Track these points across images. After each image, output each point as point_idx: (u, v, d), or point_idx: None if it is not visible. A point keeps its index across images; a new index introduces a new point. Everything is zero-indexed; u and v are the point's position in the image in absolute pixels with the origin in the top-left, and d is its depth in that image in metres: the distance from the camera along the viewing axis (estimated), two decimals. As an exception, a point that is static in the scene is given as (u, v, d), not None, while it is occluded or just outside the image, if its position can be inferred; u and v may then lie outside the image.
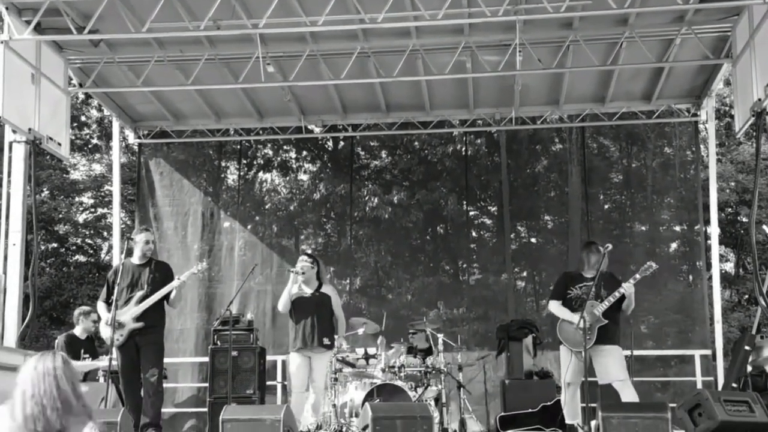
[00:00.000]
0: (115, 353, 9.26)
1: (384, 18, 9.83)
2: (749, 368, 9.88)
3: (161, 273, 9.46)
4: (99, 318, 9.91)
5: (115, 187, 14.29)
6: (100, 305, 9.42)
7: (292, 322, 9.79)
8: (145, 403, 9.22)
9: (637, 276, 8.82)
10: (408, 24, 10.66)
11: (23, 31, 10.10)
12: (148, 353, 9.25)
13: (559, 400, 9.26)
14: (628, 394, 8.66)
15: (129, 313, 9.11)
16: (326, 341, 9.62)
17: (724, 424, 7.22)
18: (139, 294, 9.21)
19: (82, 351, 10.62)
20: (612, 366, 8.79)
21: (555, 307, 9.20)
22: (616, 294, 8.76)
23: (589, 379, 8.69)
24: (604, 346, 8.81)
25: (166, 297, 9.37)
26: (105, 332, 9.21)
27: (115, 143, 14.32)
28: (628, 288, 8.75)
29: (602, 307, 8.78)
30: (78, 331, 10.82)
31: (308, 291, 9.83)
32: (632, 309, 9.11)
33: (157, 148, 14.74)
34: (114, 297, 9.15)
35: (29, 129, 10.44)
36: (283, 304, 9.79)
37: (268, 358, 12.47)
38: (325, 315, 9.76)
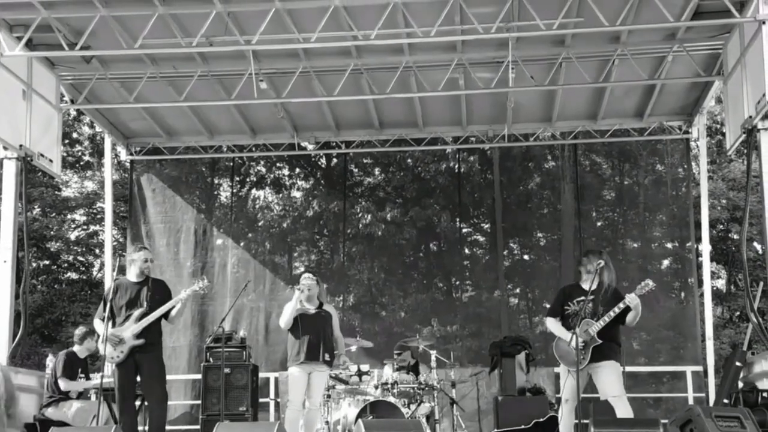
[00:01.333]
0: (108, 370, 9.21)
1: (377, 35, 9.85)
2: (740, 384, 9.86)
3: (159, 291, 9.37)
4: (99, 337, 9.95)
5: (107, 204, 14.25)
6: (97, 322, 9.31)
7: (293, 338, 9.55)
8: (150, 418, 9.13)
9: (635, 293, 8.66)
10: (401, 41, 10.68)
11: (15, 47, 10.09)
12: (151, 369, 9.16)
13: (551, 417, 9.23)
14: (623, 410, 8.59)
15: (129, 330, 9.03)
16: (327, 357, 9.55)
17: (716, 440, 7.21)
18: (137, 312, 9.12)
19: (80, 370, 10.56)
20: (607, 382, 8.71)
21: (551, 323, 9.08)
22: (615, 309, 8.60)
23: (592, 395, 8.66)
24: (600, 363, 8.72)
25: (165, 314, 9.30)
26: (104, 349, 9.11)
27: (107, 160, 14.32)
28: (632, 300, 8.56)
29: (597, 327, 8.64)
30: (78, 349, 10.71)
31: (311, 308, 9.72)
32: (637, 321, 8.91)
33: (149, 165, 14.71)
34: (105, 314, 9.07)
35: (20, 145, 10.43)
36: (285, 320, 9.59)
37: (261, 375, 12.45)
38: (328, 332, 9.68)
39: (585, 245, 14.18)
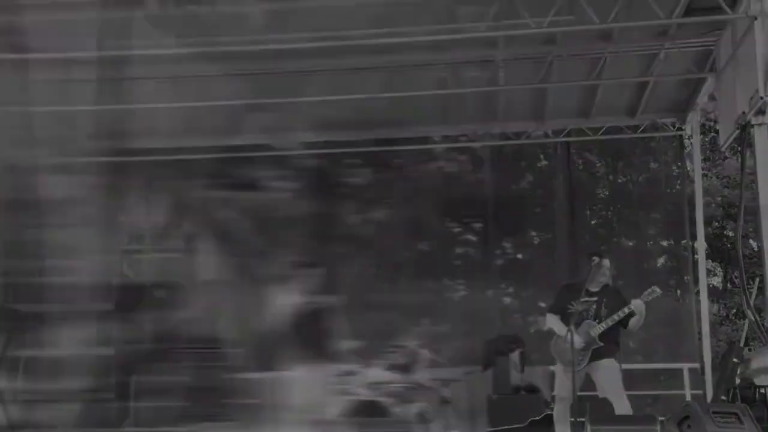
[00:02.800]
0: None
1: (364, 34, 9.74)
2: (737, 381, 9.80)
3: None
4: None
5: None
6: None
7: None
8: None
9: (641, 299, 8.61)
10: (389, 40, 10.57)
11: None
12: None
13: (547, 415, 9.16)
14: (622, 407, 8.56)
15: None
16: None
17: (713, 437, 7.14)
18: None
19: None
20: (606, 379, 8.68)
21: (552, 320, 8.97)
22: (620, 314, 8.56)
23: (589, 393, 8.61)
24: (599, 361, 8.69)
25: None
26: None
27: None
28: (638, 306, 8.53)
29: (599, 330, 8.61)
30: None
31: None
32: (639, 326, 8.88)
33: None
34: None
35: None
36: None
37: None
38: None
39: (579, 244, 14.12)
